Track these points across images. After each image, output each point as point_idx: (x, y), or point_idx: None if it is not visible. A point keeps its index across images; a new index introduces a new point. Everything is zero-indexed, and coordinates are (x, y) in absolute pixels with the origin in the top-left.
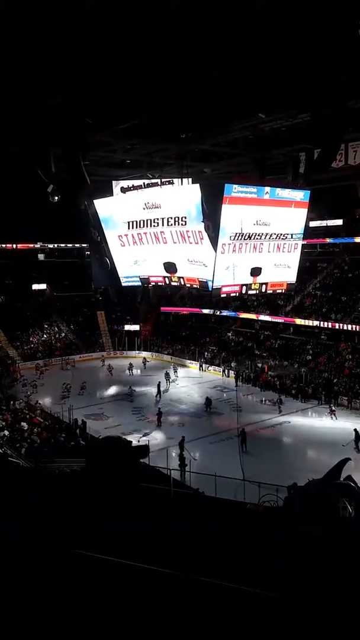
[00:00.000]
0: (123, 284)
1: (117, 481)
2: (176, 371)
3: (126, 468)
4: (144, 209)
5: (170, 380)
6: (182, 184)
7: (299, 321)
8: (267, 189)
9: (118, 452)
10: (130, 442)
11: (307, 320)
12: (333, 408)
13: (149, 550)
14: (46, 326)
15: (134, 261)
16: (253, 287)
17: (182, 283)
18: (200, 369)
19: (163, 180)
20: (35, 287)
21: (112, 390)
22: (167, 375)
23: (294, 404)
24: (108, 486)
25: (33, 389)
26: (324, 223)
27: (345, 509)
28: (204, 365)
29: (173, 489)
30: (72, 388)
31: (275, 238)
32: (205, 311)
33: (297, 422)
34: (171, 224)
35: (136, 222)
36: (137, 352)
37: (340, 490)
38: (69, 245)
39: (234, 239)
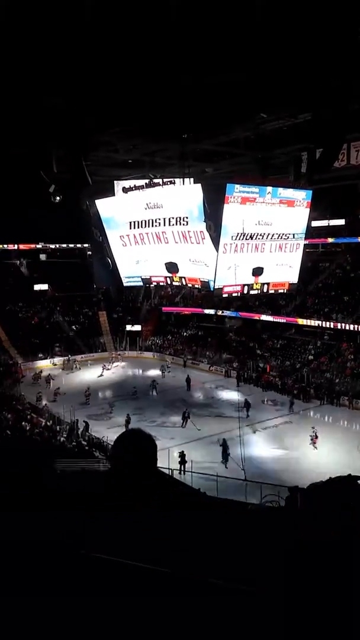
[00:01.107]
0: (125, 284)
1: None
2: (169, 366)
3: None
4: (146, 209)
5: (166, 371)
6: (183, 183)
7: (300, 321)
8: (269, 188)
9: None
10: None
11: (309, 320)
12: (316, 434)
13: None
14: (47, 326)
15: (136, 261)
16: (255, 287)
17: (184, 283)
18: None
19: (165, 180)
20: (37, 287)
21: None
22: (162, 368)
23: (296, 403)
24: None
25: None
26: (326, 223)
27: (348, 508)
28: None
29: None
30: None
31: (277, 238)
32: (207, 311)
33: (299, 422)
34: (173, 224)
35: (138, 222)
36: (141, 352)
37: (345, 490)
38: (70, 245)
39: (235, 239)
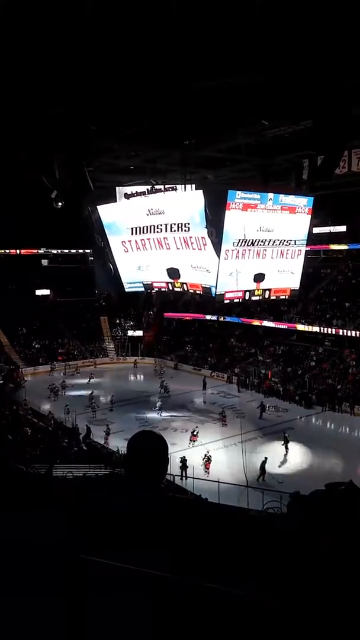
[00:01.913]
0: (126, 290)
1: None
2: (162, 368)
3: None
4: (148, 215)
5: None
6: (185, 190)
7: (302, 327)
8: (271, 195)
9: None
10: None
11: (310, 327)
12: (288, 438)
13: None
14: (49, 331)
15: (137, 267)
16: (256, 293)
17: (186, 289)
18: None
19: (166, 186)
20: (38, 292)
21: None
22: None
23: (298, 410)
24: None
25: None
26: (327, 229)
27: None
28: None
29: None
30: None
31: (279, 244)
32: (209, 317)
33: (301, 428)
34: (174, 230)
35: (139, 228)
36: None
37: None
38: (72, 251)
39: (237, 245)
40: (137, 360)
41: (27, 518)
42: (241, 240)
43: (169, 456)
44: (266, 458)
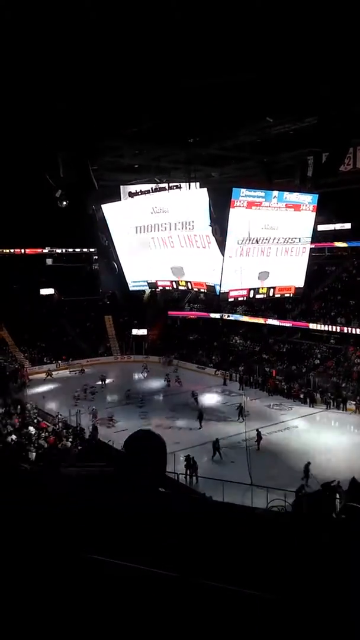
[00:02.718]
0: (131, 289)
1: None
2: (146, 367)
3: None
4: (152, 213)
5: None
6: (189, 188)
7: (307, 325)
8: (275, 192)
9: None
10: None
11: (315, 324)
12: (260, 435)
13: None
14: (54, 330)
15: (142, 265)
16: (261, 291)
17: (190, 287)
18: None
19: (171, 184)
20: (43, 291)
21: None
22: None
23: (303, 408)
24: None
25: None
26: (332, 227)
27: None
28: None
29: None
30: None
31: (283, 242)
32: (213, 315)
33: (305, 426)
34: (179, 228)
35: (144, 226)
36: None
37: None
38: (77, 250)
39: (241, 243)
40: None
41: (28, 515)
42: (245, 238)
43: (166, 454)
44: (309, 462)
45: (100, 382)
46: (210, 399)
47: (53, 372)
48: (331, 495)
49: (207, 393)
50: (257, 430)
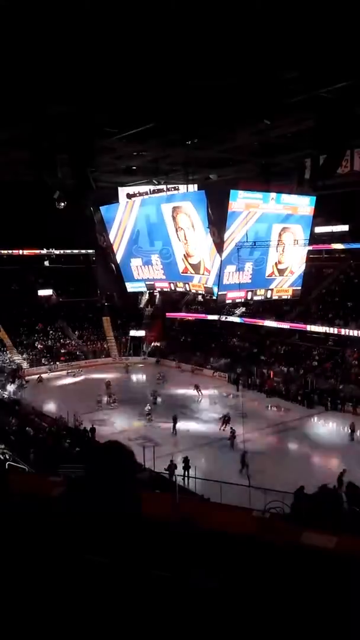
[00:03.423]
0: (129, 290)
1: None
2: (128, 370)
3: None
4: (151, 215)
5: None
6: (187, 190)
7: (305, 327)
8: (273, 194)
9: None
10: (132, 451)
11: (312, 326)
12: (233, 434)
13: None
14: (52, 332)
15: (140, 267)
16: (259, 293)
17: (188, 289)
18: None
19: (169, 186)
20: (41, 292)
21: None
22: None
23: (300, 410)
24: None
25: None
26: (329, 229)
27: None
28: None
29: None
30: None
31: (281, 244)
32: (211, 317)
33: (303, 428)
34: (177, 230)
35: (142, 227)
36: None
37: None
38: (74, 251)
39: (239, 245)
40: (128, 363)
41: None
42: (243, 241)
43: (133, 464)
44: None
45: (151, 397)
46: (205, 401)
47: (51, 373)
48: (330, 497)
49: (205, 392)
50: (232, 428)
